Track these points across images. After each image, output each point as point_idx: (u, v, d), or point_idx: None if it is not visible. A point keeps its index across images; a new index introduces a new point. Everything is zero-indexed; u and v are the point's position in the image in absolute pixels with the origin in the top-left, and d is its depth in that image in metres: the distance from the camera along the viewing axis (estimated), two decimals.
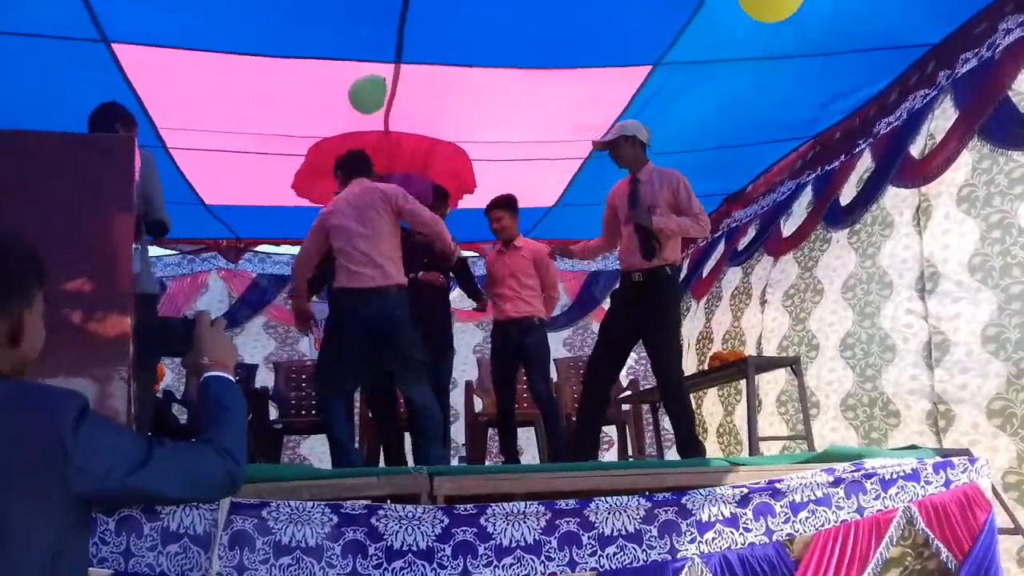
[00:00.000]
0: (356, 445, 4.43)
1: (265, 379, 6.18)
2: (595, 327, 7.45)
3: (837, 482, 2.41)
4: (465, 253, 5.19)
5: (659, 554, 2.13)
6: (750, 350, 5.79)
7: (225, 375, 1.47)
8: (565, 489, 2.31)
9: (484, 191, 5.02)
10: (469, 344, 7.45)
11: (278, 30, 3.80)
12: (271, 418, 5.30)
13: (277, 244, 7.45)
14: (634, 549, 2.12)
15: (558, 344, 7.55)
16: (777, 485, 2.32)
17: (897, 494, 2.47)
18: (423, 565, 1.96)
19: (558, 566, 2.04)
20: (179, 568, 1.82)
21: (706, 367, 5.18)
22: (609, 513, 2.12)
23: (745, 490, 2.28)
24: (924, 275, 4.15)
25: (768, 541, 2.26)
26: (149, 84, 4.24)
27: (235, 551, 1.87)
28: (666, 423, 4.03)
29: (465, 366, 6.55)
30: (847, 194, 4.87)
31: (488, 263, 4.86)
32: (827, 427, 4.79)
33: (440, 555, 1.97)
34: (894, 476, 2.49)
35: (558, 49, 4.07)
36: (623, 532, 2.12)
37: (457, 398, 5.61)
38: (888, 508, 2.44)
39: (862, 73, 4.48)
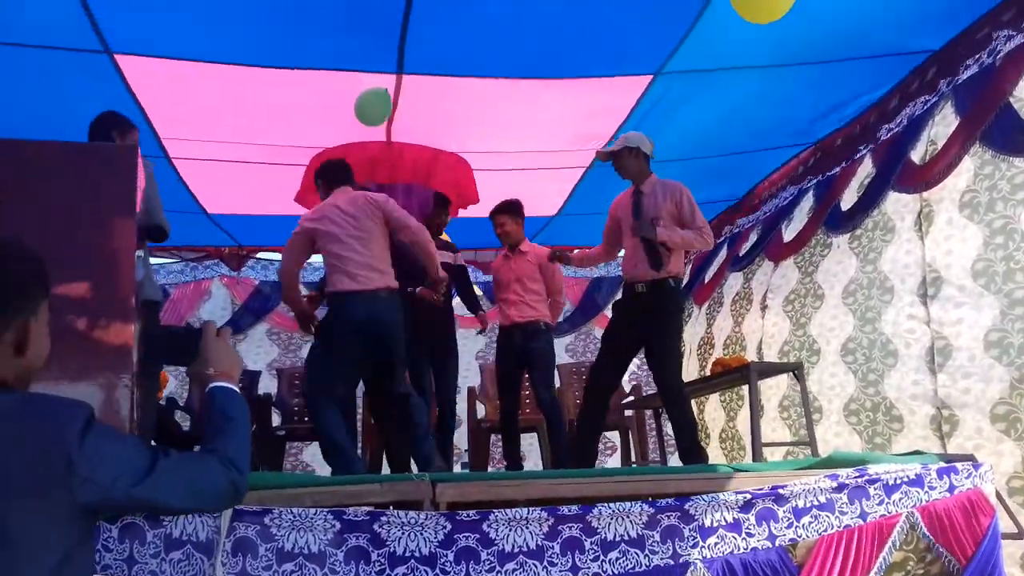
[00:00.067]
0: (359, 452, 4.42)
1: (268, 385, 6.20)
2: (597, 333, 7.44)
3: (840, 487, 2.41)
4: (463, 261, 5.18)
5: (662, 559, 2.13)
6: (751, 355, 5.78)
7: (230, 386, 1.48)
8: (568, 496, 2.30)
9: (486, 200, 5.03)
10: (471, 350, 7.44)
11: (279, 41, 3.82)
12: (274, 425, 5.31)
13: (279, 251, 7.46)
14: (637, 554, 2.11)
15: (561, 350, 7.53)
16: (780, 490, 2.32)
17: (901, 499, 2.47)
18: (426, 571, 1.95)
19: (561, 571, 2.04)
20: (182, 575, 1.83)
21: (708, 373, 5.18)
22: (612, 518, 2.12)
23: (748, 495, 2.28)
24: (926, 280, 4.15)
25: (771, 546, 2.26)
26: (152, 95, 4.26)
27: (238, 558, 1.87)
28: (669, 429, 4.02)
29: (467, 372, 6.55)
30: (848, 199, 4.88)
31: (494, 268, 4.86)
32: (830, 432, 4.78)
33: (443, 561, 1.97)
34: (898, 481, 2.49)
35: (559, 59, 4.08)
36: (626, 537, 2.11)
37: (459, 404, 5.60)
38: (892, 513, 2.44)
39: (862, 80, 4.49)
